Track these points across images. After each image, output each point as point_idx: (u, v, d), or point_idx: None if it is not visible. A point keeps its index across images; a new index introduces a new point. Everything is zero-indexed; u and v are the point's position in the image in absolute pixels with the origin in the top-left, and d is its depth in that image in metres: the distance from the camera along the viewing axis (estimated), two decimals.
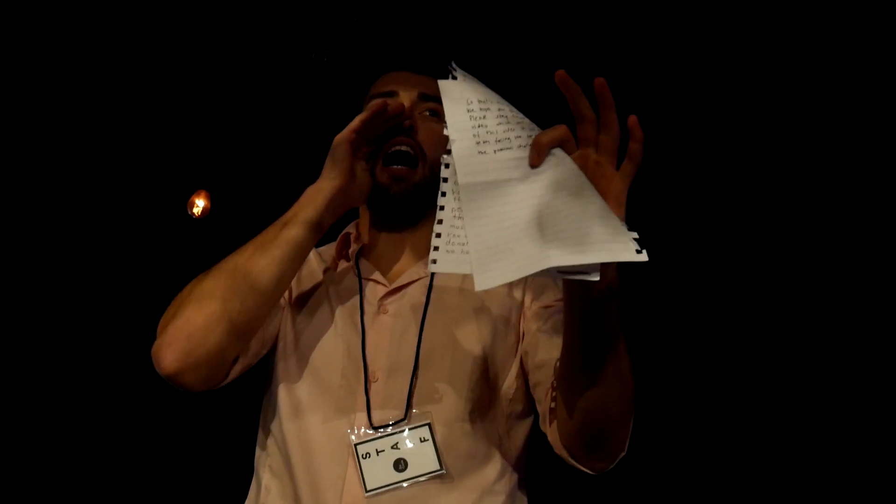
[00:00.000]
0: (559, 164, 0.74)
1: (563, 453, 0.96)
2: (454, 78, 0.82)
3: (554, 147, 0.75)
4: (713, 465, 2.23)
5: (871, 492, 2.08)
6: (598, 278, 0.71)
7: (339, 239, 1.21)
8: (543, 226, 0.71)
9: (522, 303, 1.14)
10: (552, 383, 0.98)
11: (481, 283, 0.70)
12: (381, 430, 1.00)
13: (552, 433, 0.98)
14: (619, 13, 2.17)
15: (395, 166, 1.11)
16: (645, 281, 2.05)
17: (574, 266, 0.69)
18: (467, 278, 1.11)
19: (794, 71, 2.16)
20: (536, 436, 1.10)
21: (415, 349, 1.06)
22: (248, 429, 1.20)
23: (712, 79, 2.22)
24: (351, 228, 1.22)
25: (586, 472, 0.96)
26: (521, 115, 0.80)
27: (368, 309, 1.11)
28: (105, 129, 2.60)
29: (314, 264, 1.21)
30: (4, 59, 2.34)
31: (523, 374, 1.10)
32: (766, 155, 2.26)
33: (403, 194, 1.12)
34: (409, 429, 1.00)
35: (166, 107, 2.58)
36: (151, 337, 1.01)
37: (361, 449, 0.98)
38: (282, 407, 1.07)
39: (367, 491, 0.96)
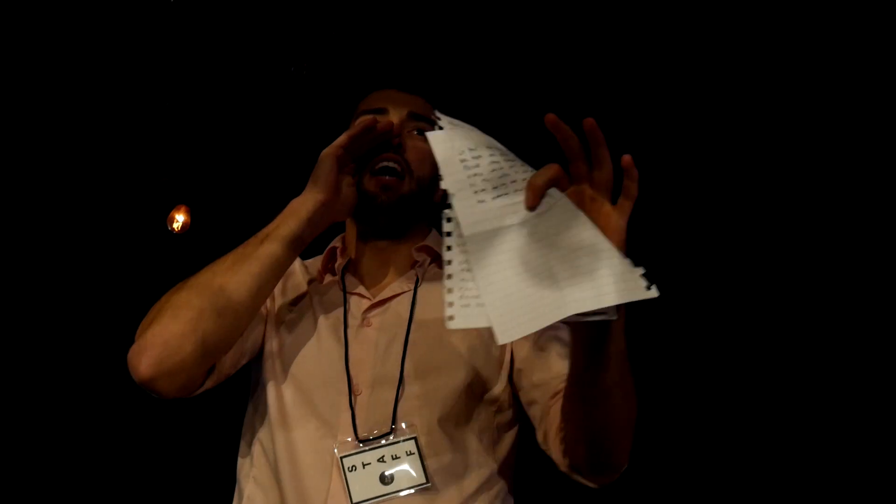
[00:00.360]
0: (556, 205, 0.74)
1: (568, 470, 0.96)
2: (440, 128, 0.81)
3: (549, 188, 0.75)
4: (709, 468, 2.25)
5: (872, 492, 2.10)
6: (616, 317, 0.73)
7: (325, 253, 1.20)
8: (553, 270, 0.71)
9: None
10: (551, 402, 0.99)
11: (504, 337, 0.69)
12: (367, 443, 1.00)
13: (556, 451, 0.98)
14: (607, 37, 2.20)
15: (384, 176, 1.11)
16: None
17: (592, 311, 0.70)
18: None
19: (787, 77, 2.18)
20: (524, 444, 1.11)
21: (399, 362, 1.05)
22: (227, 437, 1.19)
23: (709, 84, 2.25)
24: (337, 242, 1.22)
25: (590, 486, 0.97)
26: (511, 156, 0.80)
27: (352, 322, 1.11)
28: (85, 145, 2.59)
29: (299, 276, 1.20)
30: None
31: (511, 387, 1.10)
32: (763, 160, 2.30)
33: (391, 203, 1.12)
34: (395, 442, 1.00)
35: (146, 122, 2.58)
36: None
37: (347, 462, 0.98)
38: (268, 418, 1.06)
39: (352, 503, 0.95)
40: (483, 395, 1.07)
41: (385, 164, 1.11)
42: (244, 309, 1.01)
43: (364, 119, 1.10)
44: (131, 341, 1.00)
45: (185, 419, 2.46)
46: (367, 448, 0.99)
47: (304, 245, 1.07)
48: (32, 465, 2.57)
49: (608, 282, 0.69)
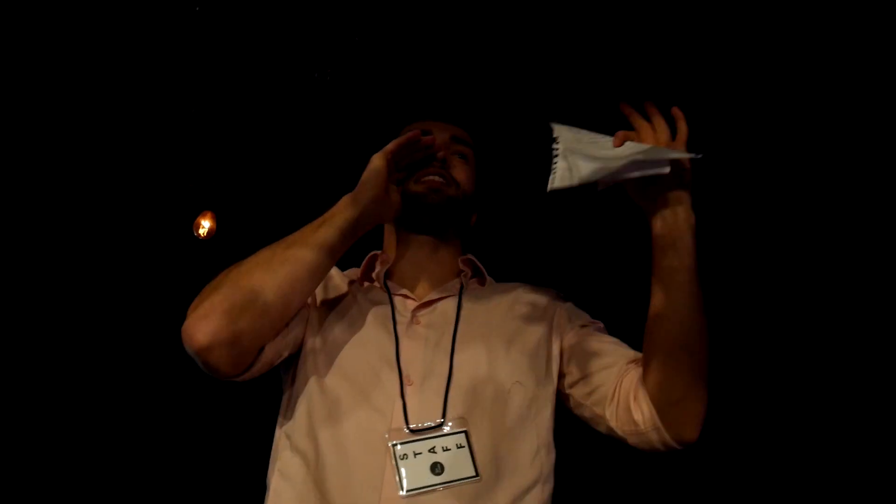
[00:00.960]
0: (632, 142, 1.05)
1: (652, 421, 1.04)
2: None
3: (628, 139, 1.02)
4: (710, 468, 2.22)
5: (872, 492, 2.07)
6: (667, 169, 1.00)
7: (364, 261, 1.27)
8: (622, 152, 1.02)
9: (552, 321, 1.23)
10: (624, 373, 1.10)
11: (586, 178, 0.99)
12: (417, 433, 1.02)
13: (639, 410, 1.05)
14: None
15: (434, 178, 1.21)
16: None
17: (649, 161, 1.00)
18: (493, 296, 1.25)
19: (787, 77, 2.18)
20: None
21: (448, 357, 1.10)
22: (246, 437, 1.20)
23: (709, 84, 2.24)
24: (376, 252, 1.29)
25: (670, 449, 1.05)
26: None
27: (401, 319, 1.16)
28: (111, 151, 2.62)
29: (339, 281, 1.25)
30: (8, 76, 2.36)
31: (557, 382, 1.18)
32: (764, 159, 2.29)
33: (438, 203, 1.21)
34: (446, 434, 1.02)
35: (172, 128, 2.61)
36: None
37: (399, 450, 1.00)
38: (307, 412, 1.08)
39: (405, 491, 0.97)
40: (530, 394, 1.12)
41: (431, 176, 1.21)
42: (300, 287, 1.06)
43: (411, 132, 1.18)
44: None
45: (205, 421, 2.47)
46: (418, 438, 1.01)
47: (356, 236, 1.13)
48: (57, 467, 2.60)
49: (664, 150, 1.03)
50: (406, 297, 1.21)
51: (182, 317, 1.03)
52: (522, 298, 1.27)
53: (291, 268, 1.05)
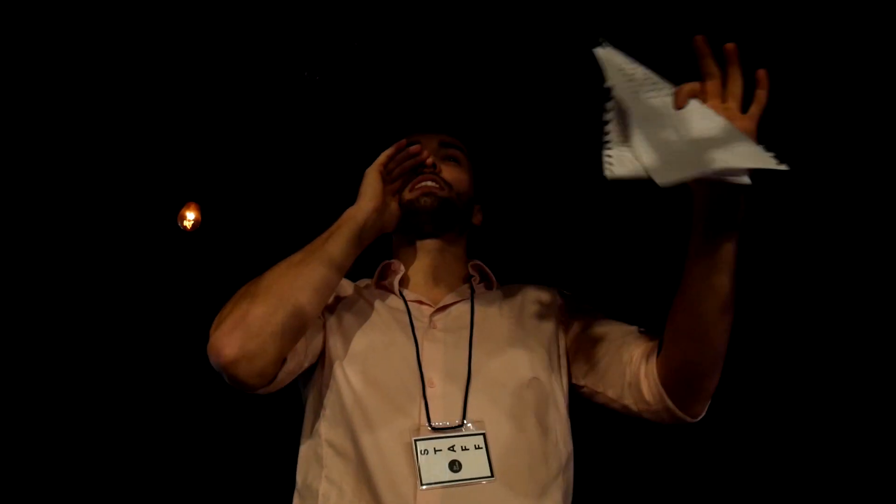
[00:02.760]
0: (699, 106, 0.92)
1: (660, 398, 1.07)
2: (603, 46, 0.98)
3: (692, 97, 0.91)
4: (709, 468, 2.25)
5: (871, 492, 2.10)
6: (748, 181, 0.88)
7: (377, 270, 1.34)
8: (699, 141, 0.88)
9: (558, 316, 1.29)
10: (636, 345, 1.13)
11: (662, 178, 0.85)
12: (438, 431, 1.08)
13: (648, 378, 1.09)
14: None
15: (426, 183, 1.27)
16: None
17: (733, 169, 0.87)
18: (503, 299, 1.31)
19: (787, 77, 2.18)
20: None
21: (467, 359, 1.15)
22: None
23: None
24: (387, 261, 1.35)
25: (681, 422, 1.08)
26: (658, 77, 0.97)
27: (419, 324, 1.22)
28: (95, 145, 2.60)
29: (351, 290, 1.32)
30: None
31: (568, 375, 1.22)
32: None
33: (433, 207, 1.27)
34: (465, 435, 1.07)
35: (157, 121, 2.59)
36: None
37: (420, 445, 1.06)
38: (342, 417, 1.14)
39: (423, 485, 1.03)
40: (546, 389, 1.17)
41: (423, 182, 1.27)
42: (315, 300, 1.11)
43: (398, 142, 1.25)
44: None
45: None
46: (439, 436, 1.07)
47: (361, 247, 1.19)
48: (31, 467, 2.58)
49: (745, 152, 0.86)
50: (421, 303, 1.27)
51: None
52: (530, 298, 1.34)
53: (305, 282, 1.10)
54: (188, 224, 2.72)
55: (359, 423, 1.11)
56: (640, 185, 0.89)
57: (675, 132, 0.89)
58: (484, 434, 1.08)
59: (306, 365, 1.20)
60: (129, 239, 2.72)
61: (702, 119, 0.89)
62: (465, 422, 1.09)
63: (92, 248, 2.69)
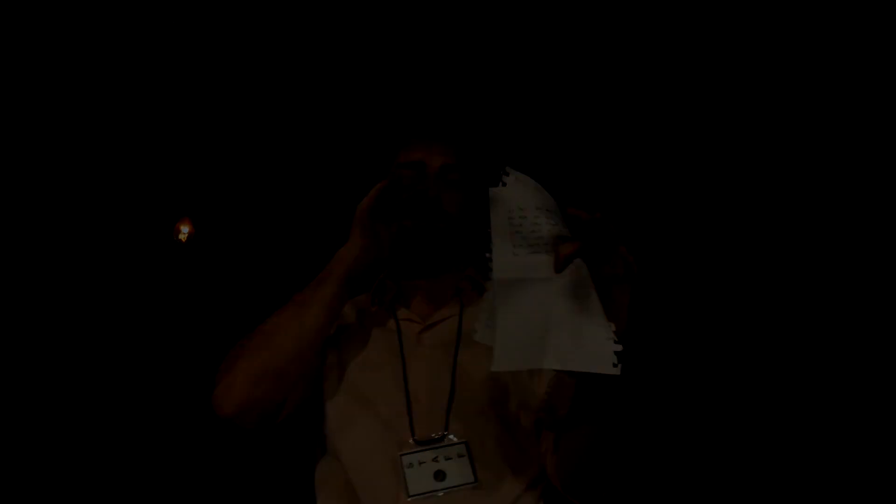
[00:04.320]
0: (576, 271, 0.88)
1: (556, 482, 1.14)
2: (504, 184, 0.93)
3: (572, 260, 0.87)
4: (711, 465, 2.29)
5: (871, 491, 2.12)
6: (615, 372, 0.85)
7: (373, 286, 1.35)
8: (551, 326, 0.87)
9: None
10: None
11: (496, 366, 0.86)
12: (423, 444, 1.14)
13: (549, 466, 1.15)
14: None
15: (420, 215, 1.25)
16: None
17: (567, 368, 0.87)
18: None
19: (786, 78, 2.23)
20: None
21: (451, 375, 1.20)
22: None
23: (715, 83, 2.31)
24: (384, 277, 1.36)
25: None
26: (555, 217, 0.91)
27: (406, 342, 1.26)
28: (93, 162, 2.70)
29: (347, 308, 1.34)
30: None
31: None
32: (765, 159, 2.35)
33: (426, 239, 1.26)
34: (448, 445, 1.14)
35: (152, 136, 2.68)
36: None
37: (405, 459, 1.12)
38: (332, 428, 1.21)
39: (409, 496, 1.10)
40: (525, 404, 1.20)
41: (420, 217, 1.25)
42: (312, 344, 1.16)
43: (394, 175, 1.27)
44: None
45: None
46: (423, 448, 1.13)
47: (354, 284, 1.21)
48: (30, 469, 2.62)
49: (585, 353, 0.85)
50: (411, 321, 1.29)
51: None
52: None
53: (303, 328, 1.15)
54: (183, 237, 2.86)
55: (341, 438, 1.18)
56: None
57: (535, 309, 0.88)
58: (466, 443, 1.12)
59: (309, 392, 1.25)
60: (127, 250, 2.81)
61: (571, 292, 0.87)
62: (447, 434, 1.13)
63: (98, 261, 2.77)
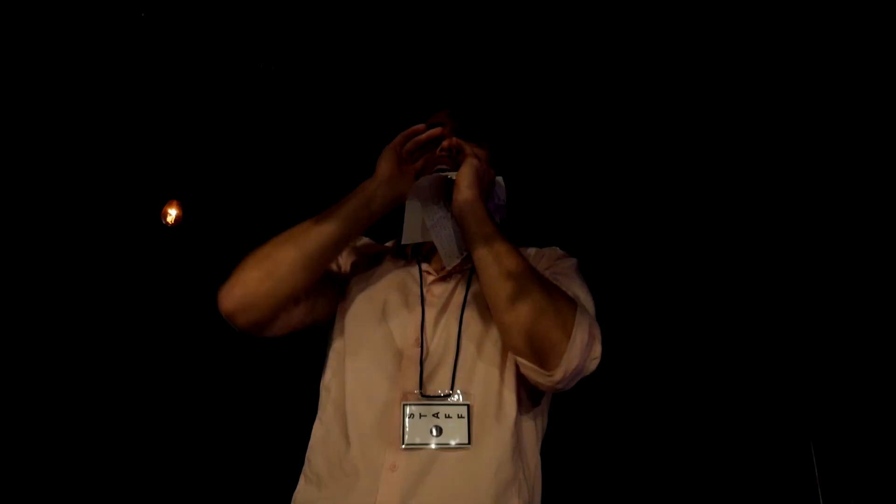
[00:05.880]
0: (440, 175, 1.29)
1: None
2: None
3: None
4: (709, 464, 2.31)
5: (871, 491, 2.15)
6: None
7: (397, 239, 1.39)
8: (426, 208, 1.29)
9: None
10: None
11: (405, 240, 1.28)
12: (428, 398, 1.17)
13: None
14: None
15: (442, 162, 1.32)
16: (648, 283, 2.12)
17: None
18: None
19: (790, 76, 2.22)
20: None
21: (457, 336, 1.23)
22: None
23: (713, 84, 2.31)
24: None
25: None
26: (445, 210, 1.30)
27: (424, 293, 1.30)
28: (81, 145, 2.66)
29: (373, 250, 1.42)
30: None
31: None
32: (765, 159, 2.35)
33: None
34: (451, 404, 1.16)
35: (139, 121, 2.64)
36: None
37: (409, 409, 1.15)
38: (339, 366, 1.24)
39: (404, 444, 1.12)
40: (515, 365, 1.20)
41: (441, 165, 1.32)
42: (317, 256, 1.22)
43: (417, 126, 1.31)
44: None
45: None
46: (428, 402, 1.16)
47: (374, 214, 1.27)
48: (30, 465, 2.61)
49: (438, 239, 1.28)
50: (428, 272, 1.35)
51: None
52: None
53: (315, 239, 1.21)
54: (171, 220, 2.80)
55: (356, 361, 1.22)
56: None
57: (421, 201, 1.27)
58: (469, 405, 1.15)
59: (308, 322, 1.30)
60: (115, 234, 2.78)
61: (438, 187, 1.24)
62: (452, 392, 1.17)
63: (84, 245, 2.74)
